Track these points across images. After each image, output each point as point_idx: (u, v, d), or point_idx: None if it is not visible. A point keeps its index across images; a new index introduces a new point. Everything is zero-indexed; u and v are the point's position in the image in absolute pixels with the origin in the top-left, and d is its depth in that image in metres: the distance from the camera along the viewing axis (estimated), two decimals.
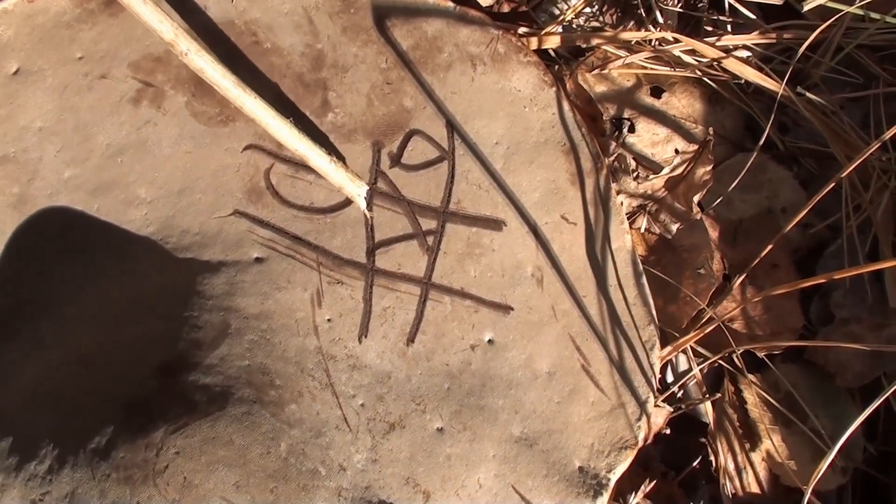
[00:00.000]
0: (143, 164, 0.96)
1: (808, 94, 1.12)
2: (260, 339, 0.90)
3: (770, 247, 1.05)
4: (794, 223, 1.03)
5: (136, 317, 0.90)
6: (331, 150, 0.95)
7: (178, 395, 0.85)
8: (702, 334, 1.05)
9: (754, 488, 1.08)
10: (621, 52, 1.15)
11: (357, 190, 0.94)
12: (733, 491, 1.08)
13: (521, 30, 1.16)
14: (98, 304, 0.90)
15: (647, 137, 1.14)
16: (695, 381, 1.11)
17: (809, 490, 0.93)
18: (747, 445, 1.08)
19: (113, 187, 0.95)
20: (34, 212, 0.94)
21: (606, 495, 0.94)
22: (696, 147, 1.12)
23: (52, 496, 0.81)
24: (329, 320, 0.93)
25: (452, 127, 1.00)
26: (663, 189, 1.12)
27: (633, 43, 1.14)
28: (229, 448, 0.83)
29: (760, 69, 1.13)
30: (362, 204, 0.95)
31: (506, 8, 1.20)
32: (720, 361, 1.09)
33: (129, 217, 0.94)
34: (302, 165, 0.97)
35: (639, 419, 0.97)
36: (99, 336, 0.89)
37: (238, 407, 0.85)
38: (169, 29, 0.89)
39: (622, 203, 1.07)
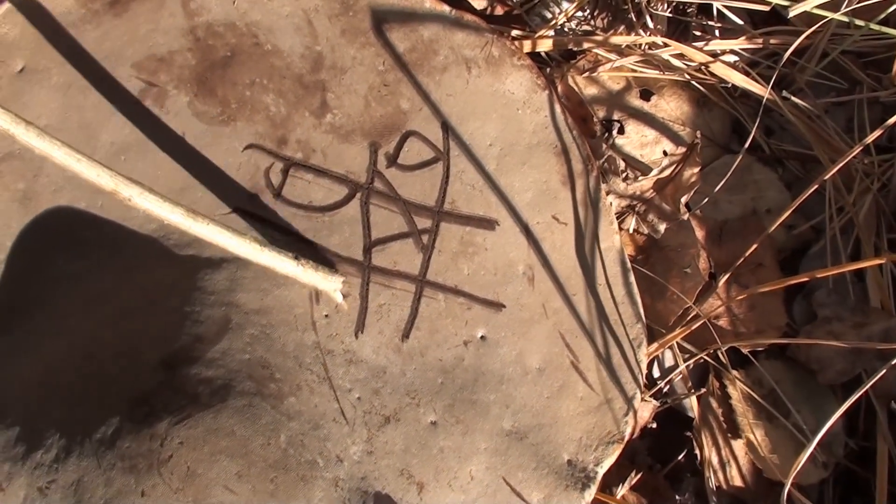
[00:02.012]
0: (145, 163, 0.96)
1: (793, 99, 1.13)
2: (260, 333, 0.91)
3: (755, 246, 1.06)
4: (778, 223, 1.05)
5: (139, 311, 0.91)
6: (297, 249, 0.94)
7: (182, 387, 0.86)
8: (688, 331, 1.06)
9: (738, 481, 1.09)
10: (612, 56, 1.16)
11: (331, 285, 0.92)
12: (717, 484, 1.09)
13: (515, 33, 1.17)
14: (102, 299, 0.91)
15: (637, 139, 1.16)
16: (681, 376, 1.12)
17: (789, 481, 0.94)
18: (731, 439, 1.10)
19: None
20: (39, 207, 0.95)
21: (594, 487, 0.96)
22: (683, 149, 1.13)
23: (59, 484, 0.82)
24: (327, 316, 0.94)
25: (447, 128, 1.01)
26: (651, 190, 1.13)
27: (623, 47, 1.16)
28: (231, 439, 0.84)
29: (747, 73, 1.15)
30: (338, 298, 0.94)
31: (500, 11, 1.21)
32: (706, 358, 1.10)
33: (131, 214, 0.95)
34: (302, 165, 0.98)
35: (626, 414, 0.99)
36: (104, 330, 0.89)
37: (239, 399, 0.86)
38: (108, 179, 0.87)
39: (611, 203, 1.08)
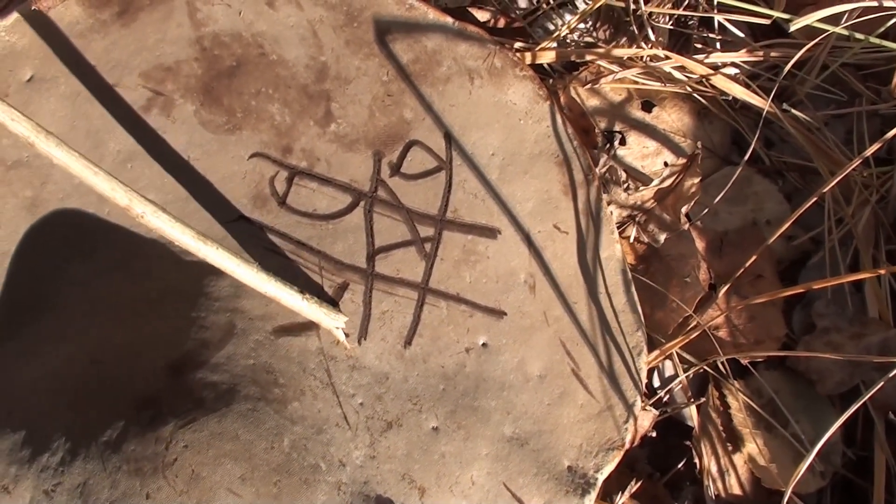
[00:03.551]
0: (152, 171, 0.97)
1: (793, 111, 1.14)
2: (264, 339, 0.92)
3: (754, 257, 1.07)
4: (777, 235, 1.06)
5: (145, 317, 0.91)
6: (301, 286, 0.94)
7: (187, 391, 0.86)
8: (687, 340, 1.07)
9: (737, 490, 1.10)
10: (614, 68, 1.17)
11: (334, 323, 0.93)
12: (716, 492, 1.10)
13: (517, 45, 1.18)
14: (109, 304, 0.92)
15: (638, 150, 1.17)
16: (680, 386, 1.13)
17: (790, 490, 0.95)
18: (730, 449, 1.10)
19: None
20: (47, 214, 0.95)
21: (594, 494, 0.96)
22: (684, 160, 1.13)
23: (65, 487, 0.82)
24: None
25: (450, 138, 1.02)
26: (652, 200, 1.14)
27: (625, 59, 1.17)
28: (235, 443, 0.84)
29: (748, 86, 1.16)
30: (341, 336, 0.94)
31: (502, 23, 1.22)
32: (705, 367, 1.11)
33: (138, 221, 0.96)
34: (306, 174, 0.99)
35: (626, 421, 0.99)
36: (109, 335, 0.90)
37: (244, 404, 0.87)
38: (122, 195, 0.88)
39: (612, 213, 1.08)
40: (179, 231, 0.88)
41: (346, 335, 0.94)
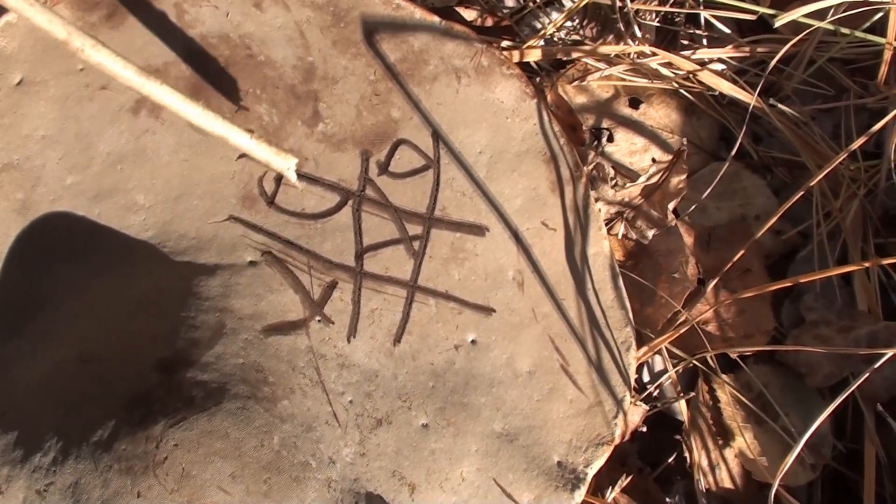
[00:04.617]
0: (141, 172, 0.98)
1: (780, 106, 1.15)
2: (254, 338, 0.92)
3: (742, 252, 1.07)
4: (765, 229, 1.06)
5: (135, 317, 0.92)
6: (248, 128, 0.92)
7: (177, 390, 0.87)
8: (676, 335, 1.07)
9: (727, 483, 1.10)
10: (601, 65, 1.17)
11: (284, 163, 0.92)
12: (707, 486, 1.10)
13: (504, 43, 1.19)
14: (99, 305, 0.92)
15: (626, 147, 1.17)
16: (670, 381, 1.13)
17: (777, 481, 0.95)
18: (720, 442, 1.11)
19: (113, 193, 0.97)
20: (37, 216, 0.96)
21: (584, 489, 0.97)
22: (671, 157, 1.14)
23: (57, 486, 0.83)
24: (319, 321, 0.96)
25: (438, 137, 1.03)
26: (640, 197, 1.14)
27: (612, 56, 1.17)
28: (225, 441, 0.85)
29: (734, 81, 1.16)
30: (292, 176, 0.92)
31: (489, 22, 1.23)
32: (695, 362, 1.12)
33: (128, 222, 0.96)
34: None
35: (615, 416, 1.00)
36: (100, 335, 0.91)
37: (233, 402, 0.87)
38: (60, 28, 0.85)
39: (600, 210, 1.09)
40: (121, 65, 0.86)
41: (298, 176, 0.95)
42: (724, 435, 1.11)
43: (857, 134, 1.14)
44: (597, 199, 1.12)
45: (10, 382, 0.89)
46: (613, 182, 1.13)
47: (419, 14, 1.05)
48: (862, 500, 1.05)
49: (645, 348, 1.08)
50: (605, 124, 1.18)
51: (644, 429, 1.12)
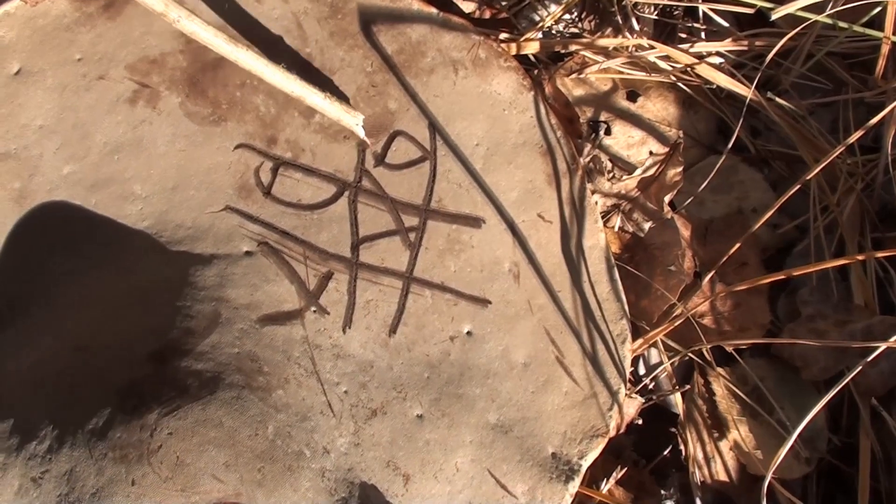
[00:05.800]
0: (138, 162, 0.98)
1: (777, 100, 1.14)
2: (249, 328, 0.92)
3: (739, 245, 1.07)
4: (762, 222, 1.06)
5: (131, 306, 0.92)
6: (327, 88, 0.99)
7: (172, 379, 0.87)
8: (672, 328, 1.07)
9: (722, 476, 1.10)
10: (599, 58, 1.17)
11: (354, 120, 0.97)
12: (702, 479, 1.10)
13: (502, 35, 1.18)
14: (95, 294, 0.92)
15: (623, 140, 1.17)
16: (665, 373, 1.13)
17: (769, 474, 0.95)
18: (716, 435, 1.11)
19: (110, 183, 0.97)
20: (34, 206, 0.96)
21: (578, 480, 0.97)
22: (667, 149, 1.15)
23: (52, 474, 0.83)
24: (315, 311, 0.96)
25: (435, 128, 1.03)
26: (636, 189, 1.14)
27: (610, 49, 1.17)
28: (219, 430, 0.85)
29: (732, 75, 1.16)
30: (360, 132, 0.98)
31: (487, 14, 1.23)
32: (690, 355, 1.11)
33: (125, 212, 0.96)
34: (291, 164, 1.00)
35: (610, 408, 1.00)
36: (95, 324, 0.91)
37: (228, 391, 0.87)
38: (158, 1, 0.94)
39: (597, 202, 1.09)
40: (213, 34, 0.96)
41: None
42: (719, 428, 1.11)
43: (854, 128, 1.14)
44: (593, 192, 1.12)
45: (5, 371, 0.89)
46: (610, 174, 1.13)
47: (417, 5, 1.05)
48: (857, 493, 1.05)
49: (640, 341, 1.08)
50: (602, 117, 1.18)
51: (639, 421, 1.12)
